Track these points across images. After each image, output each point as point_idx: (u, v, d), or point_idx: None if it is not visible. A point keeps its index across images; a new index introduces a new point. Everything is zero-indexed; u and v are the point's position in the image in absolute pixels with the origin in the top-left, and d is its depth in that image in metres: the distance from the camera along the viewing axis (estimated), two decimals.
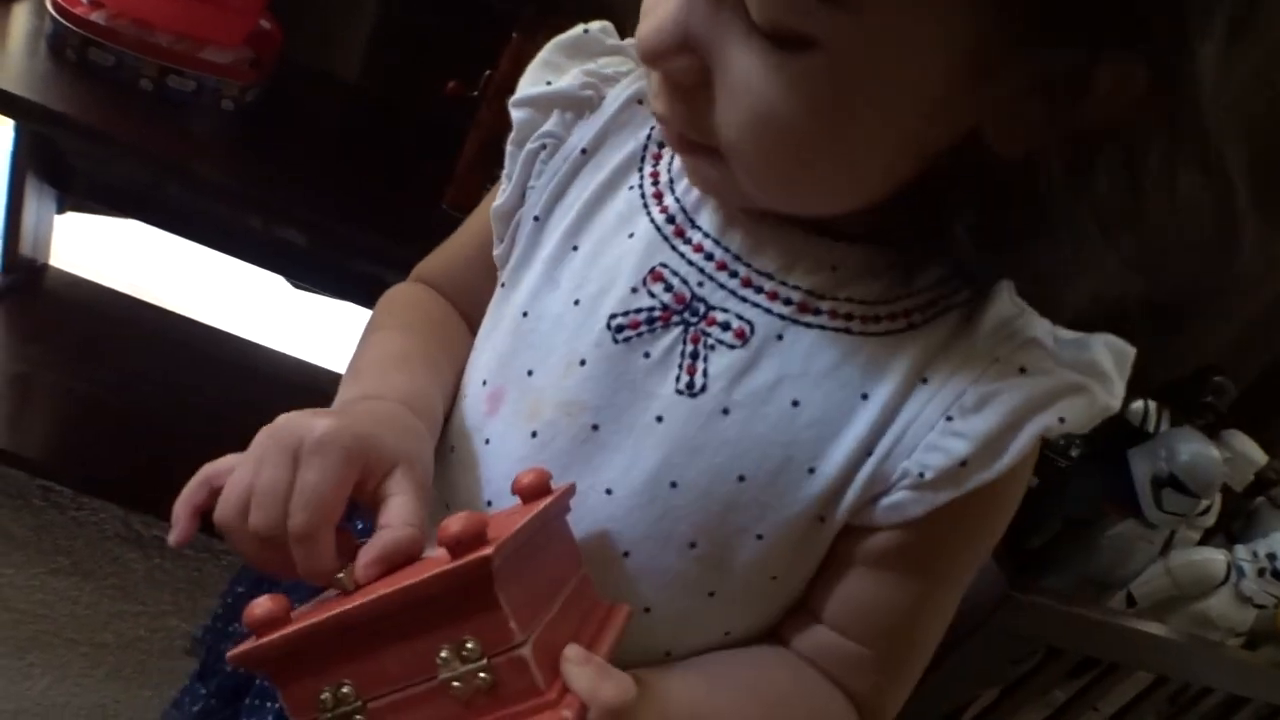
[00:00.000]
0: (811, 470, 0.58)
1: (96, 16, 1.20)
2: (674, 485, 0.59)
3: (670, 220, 0.62)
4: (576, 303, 0.63)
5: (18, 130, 1.54)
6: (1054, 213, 0.50)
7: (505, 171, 0.69)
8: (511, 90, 1.20)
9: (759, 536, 0.59)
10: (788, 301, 0.58)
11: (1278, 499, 2.16)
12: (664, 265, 0.61)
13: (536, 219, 0.67)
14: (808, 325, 0.58)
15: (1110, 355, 0.59)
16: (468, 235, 0.78)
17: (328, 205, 1.27)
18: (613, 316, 0.61)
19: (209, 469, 0.57)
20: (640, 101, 0.67)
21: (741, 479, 0.58)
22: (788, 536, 0.59)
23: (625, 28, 1.51)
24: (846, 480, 0.58)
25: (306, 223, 1.29)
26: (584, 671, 0.47)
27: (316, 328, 1.96)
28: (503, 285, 0.69)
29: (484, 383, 0.68)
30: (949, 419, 0.56)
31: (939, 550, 0.61)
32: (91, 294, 1.75)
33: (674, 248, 0.61)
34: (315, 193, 1.28)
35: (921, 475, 0.56)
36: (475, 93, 1.28)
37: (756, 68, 0.47)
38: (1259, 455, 1.97)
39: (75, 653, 1.38)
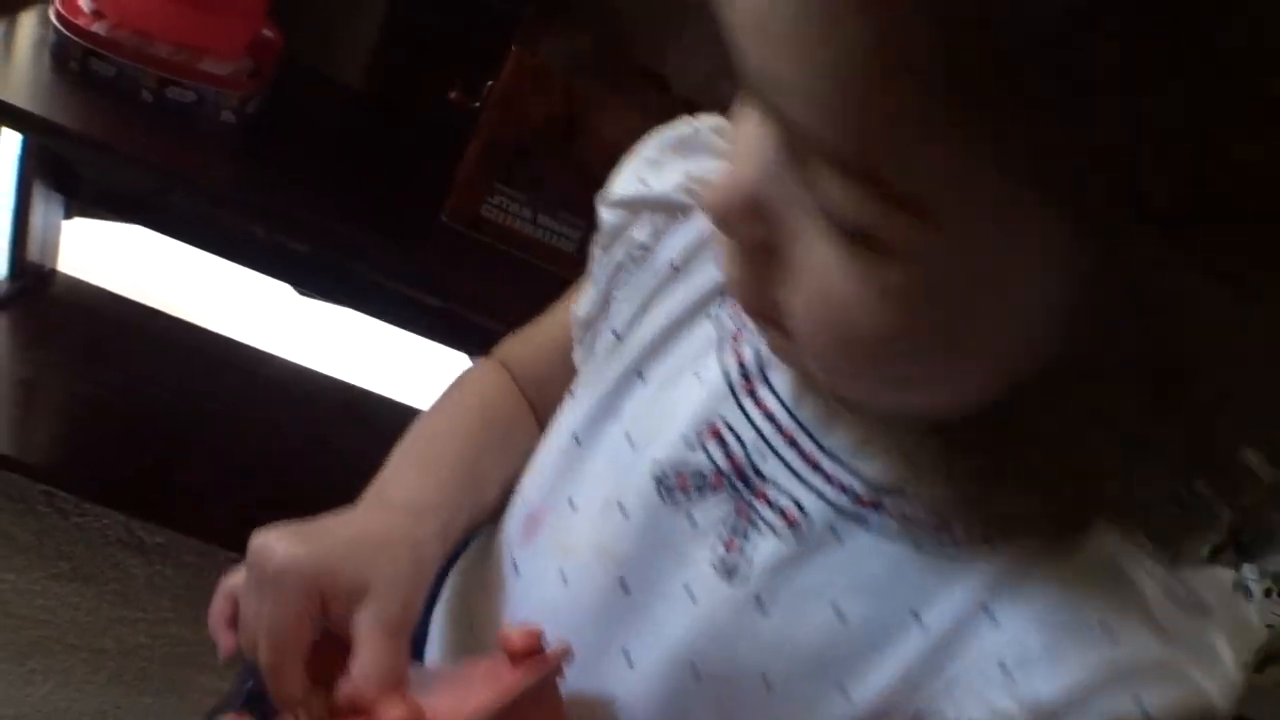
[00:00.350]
0: (844, 690, 0.51)
1: (98, 28, 1.20)
2: (696, 672, 0.54)
3: (742, 370, 0.55)
4: (630, 440, 0.58)
5: (25, 137, 1.55)
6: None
7: (590, 274, 0.65)
8: (513, 100, 1.20)
9: None
10: (852, 493, 0.51)
11: None
12: (724, 422, 0.55)
13: (616, 335, 0.63)
14: (868, 525, 0.51)
15: (1228, 627, 0.49)
16: (555, 327, 0.72)
17: (331, 212, 1.28)
18: (660, 467, 0.56)
19: (226, 584, 0.58)
20: None
21: (767, 683, 0.53)
22: None
23: (633, 40, 1.50)
24: (880, 710, 0.51)
25: (310, 230, 1.29)
26: None
27: (322, 335, 1.97)
28: (571, 395, 0.65)
29: (524, 501, 0.65)
30: (1003, 668, 0.48)
31: None
32: (98, 300, 1.76)
33: (739, 404, 0.55)
34: (318, 200, 1.29)
35: None
36: (477, 103, 1.28)
37: (831, 262, 0.39)
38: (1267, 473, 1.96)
39: (76, 658, 1.38)
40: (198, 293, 1.93)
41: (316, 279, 1.75)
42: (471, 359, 1.90)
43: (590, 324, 0.65)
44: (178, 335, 1.78)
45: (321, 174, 1.37)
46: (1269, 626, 1.63)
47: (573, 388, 0.65)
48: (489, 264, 1.31)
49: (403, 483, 0.63)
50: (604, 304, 0.64)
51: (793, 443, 0.53)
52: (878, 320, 0.39)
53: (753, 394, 0.55)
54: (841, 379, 0.45)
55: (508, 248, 1.32)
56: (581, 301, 0.66)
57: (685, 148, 0.63)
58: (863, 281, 0.38)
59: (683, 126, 0.64)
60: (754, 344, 0.56)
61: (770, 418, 0.54)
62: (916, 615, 0.50)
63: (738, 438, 0.54)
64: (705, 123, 0.63)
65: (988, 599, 0.49)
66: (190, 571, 1.54)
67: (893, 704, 0.50)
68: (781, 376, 0.54)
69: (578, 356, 0.67)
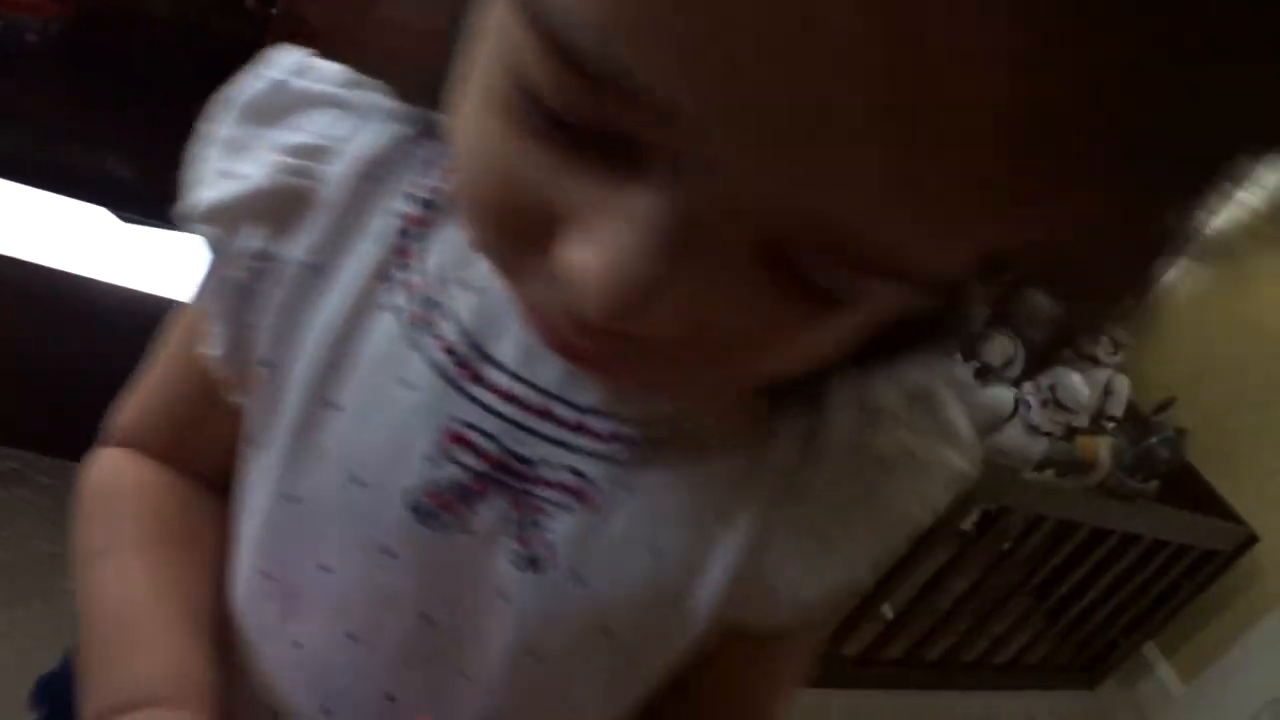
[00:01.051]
0: (681, 609, 0.51)
1: None
2: (537, 658, 0.51)
3: (454, 357, 0.48)
4: (358, 480, 0.49)
5: None
6: None
7: (209, 308, 0.52)
8: None
9: (631, 666, 0.54)
10: (627, 440, 0.48)
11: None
12: (461, 422, 0.48)
13: (269, 364, 0.51)
14: (653, 464, 0.48)
15: (958, 402, 0.54)
16: (178, 379, 0.59)
17: (145, 132, 1.32)
18: (412, 496, 0.48)
19: None
20: (370, 176, 0.50)
21: (609, 633, 0.51)
22: (662, 658, 0.55)
23: None
24: (718, 609, 0.51)
25: (127, 152, 1.34)
26: None
27: (148, 257, 2.00)
28: (255, 444, 0.54)
29: (265, 575, 0.54)
30: (815, 534, 0.52)
31: (812, 632, 0.59)
32: None
33: (469, 396, 0.48)
34: (130, 121, 1.34)
35: (792, 591, 0.52)
36: (274, 9, 1.35)
37: (778, 318, 0.34)
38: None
39: None
40: (21, 228, 1.94)
41: (137, 201, 1.78)
42: None
43: (233, 363, 0.52)
44: (5, 272, 1.80)
45: (130, 93, 1.42)
46: (1046, 433, 1.87)
47: (252, 434, 0.54)
48: None
49: (130, 675, 0.52)
50: (238, 337, 0.51)
51: (547, 414, 0.48)
52: (825, 351, 0.37)
53: (479, 379, 0.48)
54: (723, 386, 0.45)
55: None
56: (212, 343, 0.52)
57: (270, 112, 0.50)
58: (816, 328, 0.35)
59: (256, 83, 0.50)
60: (455, 317, 0.48)
61: (511, 398, 0.48)
62: (725, 523, 0.50)
63: (484, 433, 0.48)
64: (285, 66, 0.51)
65: (783, 477, 0.50)
66: (48, 493, 1.59)
67: (726, 596, 0.51)
68: (504, 343, 0.48)
69: (239, 399, 0.54)
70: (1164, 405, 2.15)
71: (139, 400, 0.62)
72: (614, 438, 0.48)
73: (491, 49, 0.32)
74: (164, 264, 2.03)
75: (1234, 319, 2.67)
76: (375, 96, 0.50)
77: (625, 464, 0.48)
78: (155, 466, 0.61)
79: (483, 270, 0.48)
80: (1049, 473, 2.01)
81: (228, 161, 0.49)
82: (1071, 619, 2.50)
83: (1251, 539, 2.43)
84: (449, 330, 0.48)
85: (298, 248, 0.49)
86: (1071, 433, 2.06)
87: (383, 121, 0.50)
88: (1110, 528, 2.13)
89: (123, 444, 0.62)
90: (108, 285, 1.87)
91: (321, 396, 0.49)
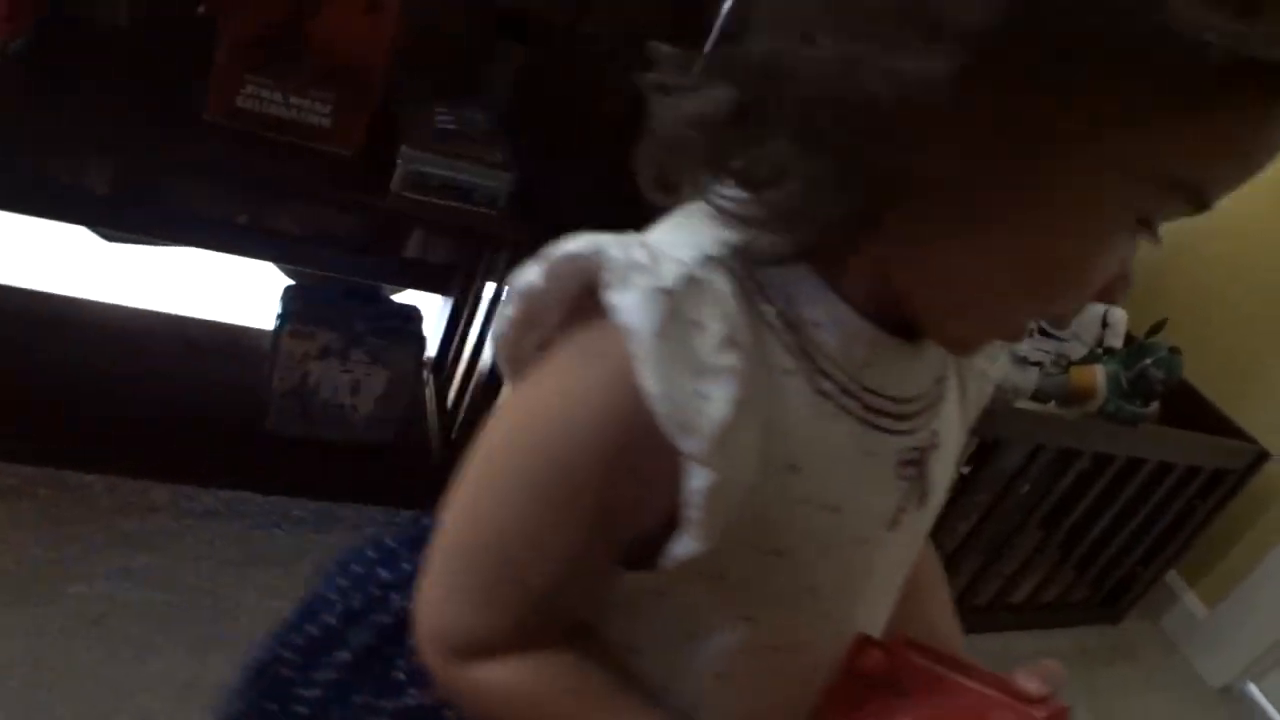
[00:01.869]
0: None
1: None
2: (909, 567, 0.73)
3: (889, 417, 0.62)
4: (857, 540, 0.64)
5: None
6: None
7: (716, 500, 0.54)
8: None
9: None
10: (939, 394, 0.67)
11: None
12: (906, 450, 0.64)
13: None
14: (944, 397, 0.68)
15: None
16: (559, 558, 0.59)
17: (104, 135, 1.35)
18: (888, 519, 0.65)
19: None
20: (748, 325, 0.56)
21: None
22: None
23: None
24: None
25: (99, 166, 1.37)
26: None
27: (136, 274, 2.05)
28: (718, 577, 0.60)
29: (769, 649, 0.65)
30: (971, 397, 0.74)
31: None
32: None
33: (904, 433, 0.63)
34: (101, 136, 1.36)
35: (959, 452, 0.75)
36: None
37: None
38: None
39: None
40: (12, 255, 1.99)
41: (119, 218, 1.82)
42: (277, 266, 1.99)
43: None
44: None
45: (91, 106, 1.43)
46: (1035, 364, 1.86)
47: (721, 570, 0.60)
48: (256, 151, 1.42)
49: None
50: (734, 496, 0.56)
51: (925, 411, 0.65)
52: None
53: (905, 418, 0.63)
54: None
55: (269, 132, 1.43)
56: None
57: (678, 324, 0.52)
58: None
59: (650, 305, 0.51)
60: (873, 392, 0.61)
61: (917, 414, 0.64)
62: (957, 410, 0.72)
63: (915, 449, 0.65)
64: (644, 269, 0.53)
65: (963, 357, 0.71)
66: (45, 504, 1.63)
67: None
68: (903, 386, 0.63)
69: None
70: (1156, 327, 2.14)
71: (474, 605, 0.61)
72: (940, 395, 0.67)
73: (1097, 195, 0.51)
74: (148, 278, 2.07)
75: (1226, 234, 2.65)
76: (694, 252, 0.56)
77: (941, 407, 0.67)
78: (552, 655, 0.62)
79: (858, 342, 0.59)
80: (1051, 405, 2.01)
81: (682, 381, 0.52)
82: (1085, 552, 2.48)
83: (1263, 455, 2.41)
84: (878, 402, 0.61)
85: (759, 415, 0.55)
86: (1068, 365, 2.06)
87: (713, 271, 0.55)
88: (1112, 453, 2.12)
89: (474, 655, 0.62)
90: (96, 303, 1.92)
91: (811, 502, 0.60)
